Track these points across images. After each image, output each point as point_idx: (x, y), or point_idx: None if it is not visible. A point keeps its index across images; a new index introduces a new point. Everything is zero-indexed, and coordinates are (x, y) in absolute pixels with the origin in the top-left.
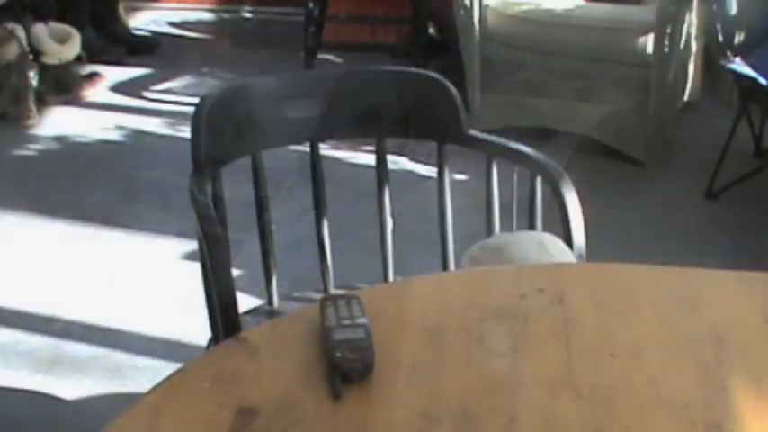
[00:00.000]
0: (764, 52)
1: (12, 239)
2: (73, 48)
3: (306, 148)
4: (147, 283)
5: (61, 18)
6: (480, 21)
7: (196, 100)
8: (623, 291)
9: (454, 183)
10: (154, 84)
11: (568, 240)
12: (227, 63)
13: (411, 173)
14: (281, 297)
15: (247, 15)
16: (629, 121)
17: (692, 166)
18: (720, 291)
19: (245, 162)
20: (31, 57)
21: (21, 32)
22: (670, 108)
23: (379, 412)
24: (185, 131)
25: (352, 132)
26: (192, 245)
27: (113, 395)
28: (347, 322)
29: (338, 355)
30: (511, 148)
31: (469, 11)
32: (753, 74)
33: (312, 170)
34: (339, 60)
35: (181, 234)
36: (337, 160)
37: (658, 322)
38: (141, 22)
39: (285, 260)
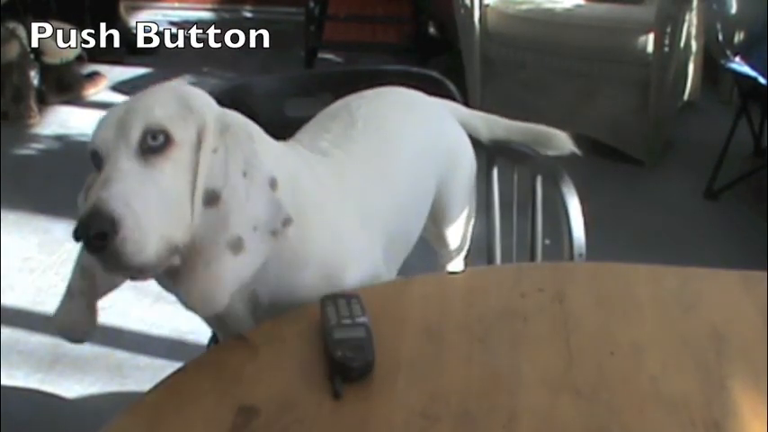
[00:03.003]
0: (764, 52)
1: (12, 239)
2: (74, 47)
3: None
4: (147, 282)
5: (62, 18)
6: (480, 20)
7: None
8: (623, 290)
9: None
10: (155, 83)
11: (569, 241)
12: (228, 62)
13: None
14: None
15: (248, 15)
16: (629, 120)
17: (692, 165)
18: (720, 290)
19: None
20: (32, 56)
21: (22, 32)
22: (670, 107)
23: (380, 411)
24: None
25: None
26: None
27: (114, 394)
28: (348, 321)
29: (339, 354)
30: (511, 148)
31: (469, 10)
32: (753, 73)
33: None
34: (340, 59)
35: None
36: None
37: (658, 321)
38: (141, 21)
39: None
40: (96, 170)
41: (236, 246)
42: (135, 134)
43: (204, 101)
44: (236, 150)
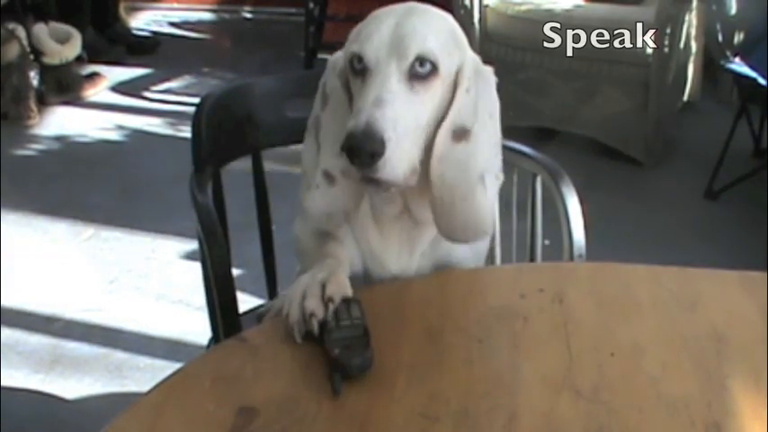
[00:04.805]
0: (764, 52)
1: (12, 239)
2: (74, 48)
3: None
4: (147, 283)
5: (62, 18)
6: (480, 20)
7: (196, 100)
8: (623, 290)
9: None
10: (154, 84)
11: (569, 241)
12: (228, 63)
13: None
14: None
15: (247, 15)
16: (629, 121)
17: (691, 166)
18: (720, 290)
19: (245, 162)
20: (31, 57)
21: (22, 33)
22: (670, 108)
23: (380, 412)
24: (186, 131)
25: None
26: (192, 245)
27: (114, 395)
28: (347, 323)
29: (336, 351)
30: (511, 148)
31: (469, 11)
32: (752, 74)
33: None
34: None
35: (181, 234)
36: None
37: (658, 322)
38: (141, 22)
39: (285, 260)
40: (351, 71)
41: (482, 182)
42: (409, 58)
43: (465, 39)
44: (486, 94)
